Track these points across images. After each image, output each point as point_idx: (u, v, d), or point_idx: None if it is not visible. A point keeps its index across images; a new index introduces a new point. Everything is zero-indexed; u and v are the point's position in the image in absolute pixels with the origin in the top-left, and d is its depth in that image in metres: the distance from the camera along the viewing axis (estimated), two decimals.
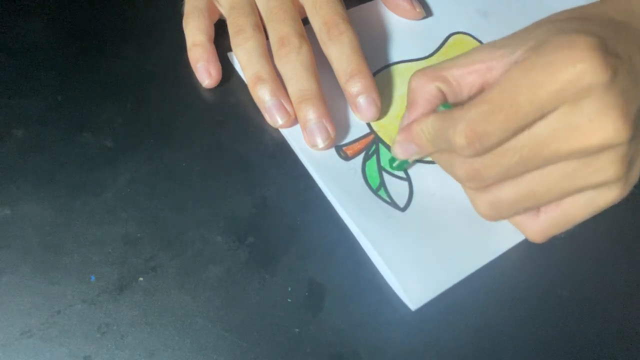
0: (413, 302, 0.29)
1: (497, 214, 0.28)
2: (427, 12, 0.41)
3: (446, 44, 0.39)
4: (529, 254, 0.31)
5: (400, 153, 0.30)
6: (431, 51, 0.39)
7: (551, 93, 0.23)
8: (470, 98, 0.28)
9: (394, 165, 0.33)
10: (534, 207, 0.28)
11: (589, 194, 0.26)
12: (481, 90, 0.28)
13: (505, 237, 0.31)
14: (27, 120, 0.34)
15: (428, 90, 0.28)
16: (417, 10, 0.40)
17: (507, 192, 0.27)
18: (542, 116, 0.24)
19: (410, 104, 0.29)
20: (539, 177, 0.26)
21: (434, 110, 0.28)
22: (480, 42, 0.40)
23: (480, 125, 0.24)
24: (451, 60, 0.28)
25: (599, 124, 0.23)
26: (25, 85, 0.36)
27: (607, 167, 0.25)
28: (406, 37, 0.39)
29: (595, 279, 0.31)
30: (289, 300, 0.29)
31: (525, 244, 0.31)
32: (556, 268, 0.31)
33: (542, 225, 0.28)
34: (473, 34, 0.40)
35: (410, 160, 0.32)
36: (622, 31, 0.26)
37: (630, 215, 0.33)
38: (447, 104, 0.29)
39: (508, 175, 0.26)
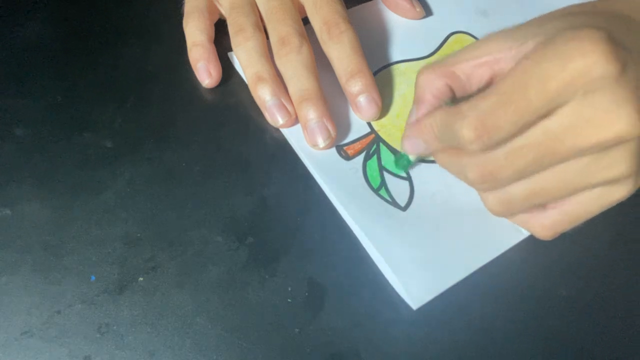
0: (414, 302, 0.29)
1: (507, 211, 0.28)
2: (427, 11, 0.41)
3: (446, 44, 0.39)
4: (529, 253, 0.31)
5: (408, 148, 0.31)
6: (431, 50, 0.39)
7: (560, 85, 0.23)
8: (480, 90, 0.27)
9: (397, 164, 0.33)
10: (545, 202, 0.27)
11: (599, 190, 0.26)
12: (490, 83, 0.27)
13: (506, 235, 0.31)
14: (27, 120, 0.34)
15: (436, 86, 0.28)
16: (417, 9, 0.40)
17: (518, 189, 0.27)
18: (552, 109, 0.24)
19: (417, 101, 0.29)
20: (551, 174, 0.25)
21: (441, 106, 0.28)
22: None
23: (489, 118, 0.24)
24: (458, 55, 0.28)
25: (612, 117, 0.23)
26: (25, 85, 0.36)
27: (620, 162, 0.24)
28: (406, 36, 0.40)
29: (595, 279, 0.31)
30: (289, 300, 0.29)
31: (526, 244, 0.31)
32: (556, 268, 0.31)
33: (550, 222, 0.28)
34: (473, 34, 0.40)
35: (413, 160, 0.32)
36: (630, 25, 0.26)
37: (631, 215, 0.33)
38: (451, 102, 0.28)
39: (523, 175, 0.26)
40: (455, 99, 0.29)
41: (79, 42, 0.38)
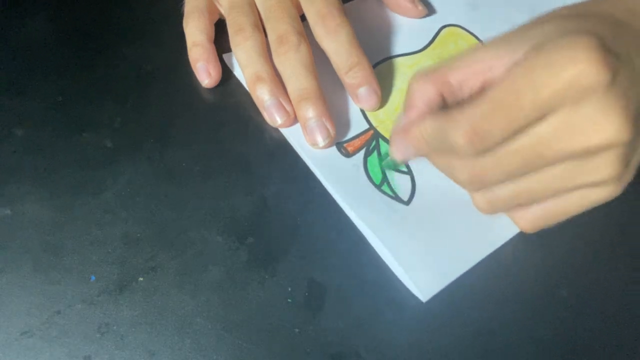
0: (423, 294, 0.29)
1: (493, 209, 0.30)
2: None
3: (438, 37, 0.40)
4: (530, 254, 0.31)
5: (397, 154, 0.30)
6: (424, 44, 0.39)
7: (553, 93, 0.23)
8: (470, 97, 0.28)
9: (383, 163, 0.33)
10: (530, 203, 0.28)
11: (582, 192, 0.27)
12: (481, 90, 0.27)
13: (509, 225, 0.31)
14: (27, 120, 0.34)
15: (428, 94, 0.28)
16: (420, 8, 0.40)
17: (504, 190, 0.28)
18: (543, 116, 0.24)
19: (408, 106, 0.29)
20: (536, 177, 0.26)
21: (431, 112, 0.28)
22: (470, 33, 0.40)
23: (481, 125, 0.24)
24: (452, 62, 0.28)
25: (601, 124, 0.23)
26: (25, 85, 0.36)
27: (605, 166, 0.25)
28: (399, 31, 0.40)
29: (595, 279, 0.31)
30: (289, 300, 0.29)
31: (526, 244, 0.31)
32: (556, 268, 0.31)
33: (532, 217, 0.29)
34: (464, 26, 0.40)
35: (400, 163, 0.32)
36: (623, 30, 0.26)
37: (631, 215, 0.33)
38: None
39: (509, 178, 0.27)
40: (445, 105, 0.29)
41: (79, 42, 0.38)
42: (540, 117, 0.24)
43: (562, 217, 0.28)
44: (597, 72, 0.23)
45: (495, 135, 0.25)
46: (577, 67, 0.23)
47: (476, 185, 0.28)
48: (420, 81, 0.28)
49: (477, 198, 0.30)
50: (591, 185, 0.26)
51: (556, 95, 0.23)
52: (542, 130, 0.24)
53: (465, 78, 0.27)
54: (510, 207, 0.29)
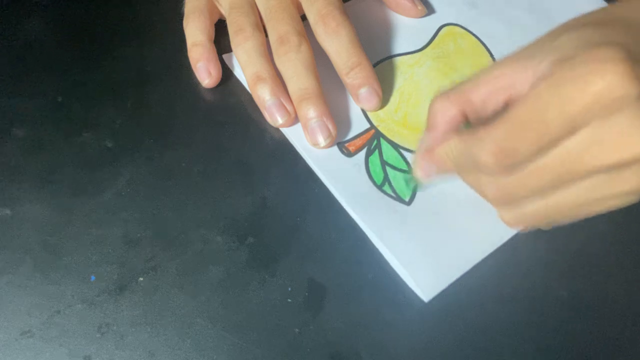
0: (425, 294, 0.29)
1: (520, 224, 0.29)
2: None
3: (438, 36, 0.40)
4: (530, 254, 0.31)
5: (421, 174, 0.30)
6: (424, 44, 0.39)
7: (581, 108, 0.23)
8: (495, 113, 0.27)
9: (409, 182, 0.33)
10: (556, 218, 0.28)
11: (605, 200, 0.26)
12: (505, 106, 0.27)
13: None
14: (27, 120, 0.34)
15: (450, 114, 0.28)
16: (419, 8, 0.40)
17: (533, 206, 0.27)
18: (572, 131, 0.23)
19: (430, 127, 0.29)
20: (565, 191, 0.26)
21: (455, 131, 0.28)
22: (470, 32, 0.40)
23: (508, 142, 0.24)
24: (473, 80, 0.28)
25: (633, 137, 0.23)
26: (25, 85, 0.36)
27: (634, 178, 0.24)
28: (399, 30, 0.40)
29: (595, 279, 0.31)
30: (289, 300, 0.29)
31: (526, 244, 0.31)
32: (556, 268, 0.31)
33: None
34: (463, 25, 0.40)
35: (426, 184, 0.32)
36: None
37: (632, 216, 0.32)
38: (468, 124, 0.28)
39: (537, 194, 0.26)
40: (469, 123, 0.28)
41: (79, 42, 0.38)
42: (568, 133, 0.23)
43: (577, 219, 0.28)
44: (627, 85, 0.22)
45: (522, 152, 0.24)
46: (605, 80, 0.22)
47: (504, 202, 0.28)
48: (442, 101, 0.28)
49: (503, 213, 0.29)
50: (616, 196, 0.25)
51: (585, 109, 0.23)
52: (572, 145, 0.24)
53: (487, 95, 0.27)
54: (537, 220, 0.28)
